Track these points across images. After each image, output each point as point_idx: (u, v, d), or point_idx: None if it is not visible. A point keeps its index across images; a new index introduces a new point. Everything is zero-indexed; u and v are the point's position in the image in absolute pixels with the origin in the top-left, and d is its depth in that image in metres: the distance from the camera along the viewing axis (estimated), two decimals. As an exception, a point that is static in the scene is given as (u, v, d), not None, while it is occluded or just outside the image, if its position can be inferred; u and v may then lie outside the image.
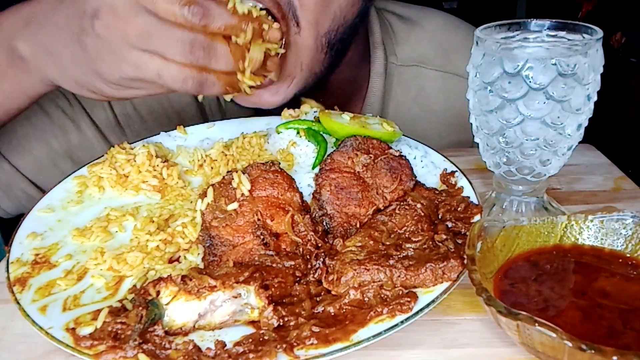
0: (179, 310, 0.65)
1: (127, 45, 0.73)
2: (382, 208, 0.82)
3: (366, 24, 1.20)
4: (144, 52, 0.73)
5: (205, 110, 1.26)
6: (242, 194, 0.79)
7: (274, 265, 0.72)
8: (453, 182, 0.88)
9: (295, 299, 0.69)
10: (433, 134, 1.24)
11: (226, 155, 0.96)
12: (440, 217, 0.81)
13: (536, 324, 0.53)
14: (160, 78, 0.74)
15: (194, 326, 0.66)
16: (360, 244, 0.73)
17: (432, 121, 1.24)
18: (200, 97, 0.82)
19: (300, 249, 0.75)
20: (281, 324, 0.65)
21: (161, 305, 0.65)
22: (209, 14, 0.73)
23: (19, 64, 0.84)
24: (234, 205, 0.78)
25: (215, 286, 0.66)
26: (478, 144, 0.85)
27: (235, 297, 0.67)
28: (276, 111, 1.04)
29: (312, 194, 0.84)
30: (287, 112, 1.04)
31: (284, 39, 0.90)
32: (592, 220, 0.71)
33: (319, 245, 0.75)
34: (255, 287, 0.66)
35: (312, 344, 0.61)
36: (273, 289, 0.68)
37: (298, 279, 0.72)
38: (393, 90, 1.23)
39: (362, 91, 1.24)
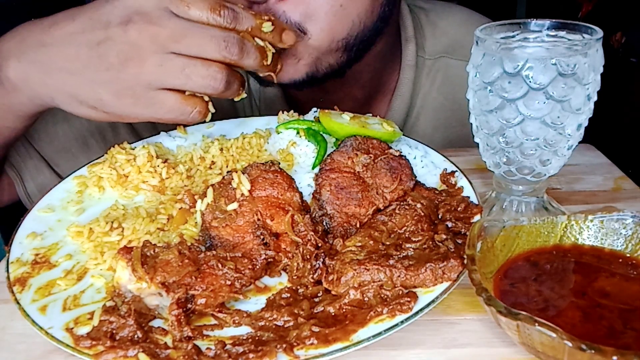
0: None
1: (157, 47, 0.76)
2: (382, 208, 0.82)
3: (397, 18, 1.23)
4: (172, 54, 0.77)
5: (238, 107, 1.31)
6: (242, 194, 0.79)
7: (218, 272, 0.70)
8: (453, 182, 0.88)
9: (291, 299, 0.69)
10: (455, 122, 1.27)
11: (225, 155, 0.96)
12: (440, 217, 0.81)
13: (536, 324, 0.53)
14: (187, 77, 0.77)
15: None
16: (360, 244, 0.73)
17: (455, 109, 1.27)
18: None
19: (300, 249, 0.75)
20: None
21: None
22: (238, 16, 0.80)
23: (4, 83, 0.85)
24: (234, 206, 0.78)
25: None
26: (478, 144, 0.85)
27: (160, 295, 0.67)
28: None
29: (312, 194, 0.84)
30: (282, 116, 1.05)
31: None
32: (592, 220, 0.71)
33: (319, 245, 0.75)
34: (172, 298, 0.66)
35: (312, 344, 0.61)
36: (199, 301, 0.67)
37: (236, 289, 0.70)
38: (421, 83, 1.27)
39: (391, 83, 1.27)
